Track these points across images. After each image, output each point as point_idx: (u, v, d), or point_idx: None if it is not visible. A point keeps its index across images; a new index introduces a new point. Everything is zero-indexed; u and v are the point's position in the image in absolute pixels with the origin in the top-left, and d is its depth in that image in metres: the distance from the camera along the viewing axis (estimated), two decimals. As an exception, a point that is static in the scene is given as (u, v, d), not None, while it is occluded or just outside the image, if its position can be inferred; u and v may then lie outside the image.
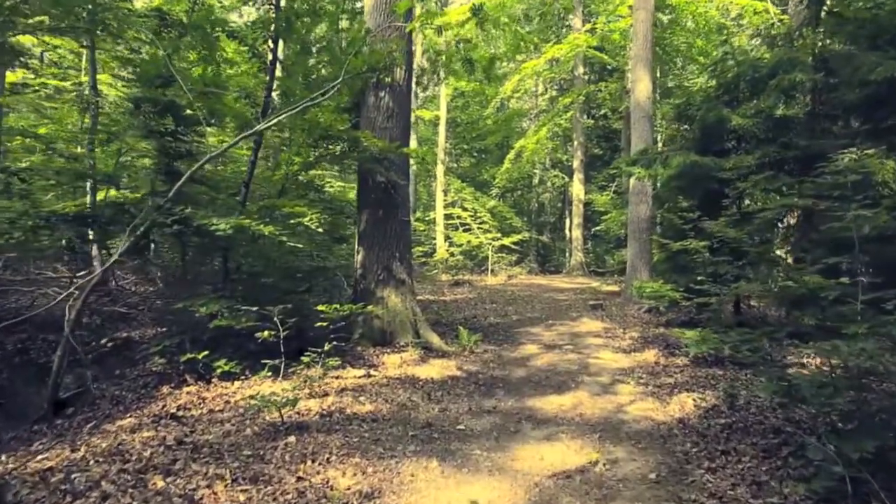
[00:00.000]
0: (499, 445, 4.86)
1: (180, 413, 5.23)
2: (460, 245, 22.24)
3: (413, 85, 9.53)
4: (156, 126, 6.67)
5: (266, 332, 5.53)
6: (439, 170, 25.30)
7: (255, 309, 5.77)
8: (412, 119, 25.26)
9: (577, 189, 25.49)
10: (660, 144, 19.48)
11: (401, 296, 8.50)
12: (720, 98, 11.01)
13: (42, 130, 11.05)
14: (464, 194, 25.02)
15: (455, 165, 33.34)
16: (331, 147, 7.99)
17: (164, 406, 5.44)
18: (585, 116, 26.24)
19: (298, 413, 5.25)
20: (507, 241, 21.89)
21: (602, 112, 25.74)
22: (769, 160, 9.59)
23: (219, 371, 6.05)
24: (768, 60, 10.54)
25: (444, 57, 8.98)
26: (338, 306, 6.24)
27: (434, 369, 7.27)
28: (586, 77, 25.71)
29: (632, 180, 15.30)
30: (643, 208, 14.95)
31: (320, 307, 6.21)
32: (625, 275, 16.73)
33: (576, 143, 26.01)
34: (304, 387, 5.88)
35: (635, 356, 8.48)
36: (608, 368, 7.70)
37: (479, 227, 22.65)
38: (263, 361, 5.85)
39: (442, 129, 25.63)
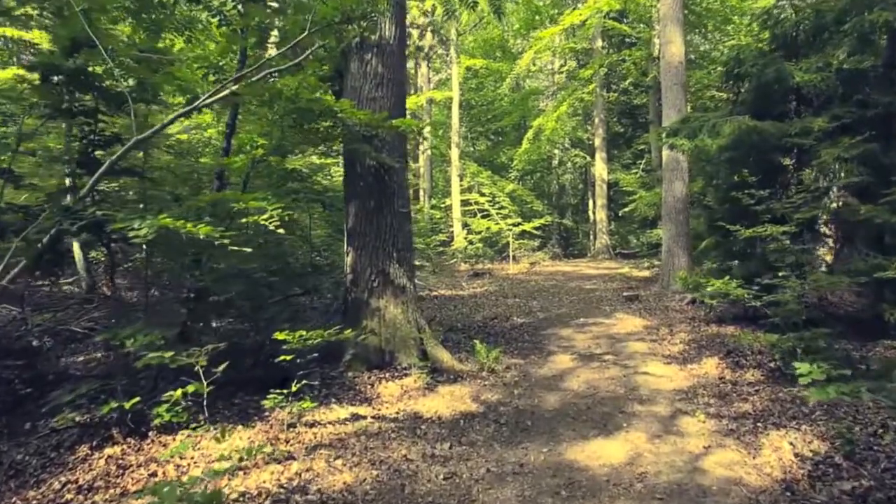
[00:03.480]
0: (530, 544, 3.30)
1: (79, 499, 3.73)
2: (479, 232, 20.99)
3: (406, 43, 7.86)
4: (65, 104, 5.13)
5: (178, 392, 3.97)
6: (454, 153, 24.08)
7: (168, 356, 4.17)
8: (424, 100, 23.90)
9: (600, 168, 23.99)
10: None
11: (401, 306, 6.86)
12: (775, 52, 9.36)
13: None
14: (481, 178, 23.68)
15: (471, 149, 31.85)
16: (307, 125, 6.39)
17: (66, 483, 3.94)
18: (606, 91, 24.52)
19: (243, 497, 3.72)
20: (528, 227, 20.43)
21: (623, 86, 24.01)
22: (842, 122, 7.99)
23: (157, 421, 4.59)
24: (834, 3, 8.84)
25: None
26: (303, 333, 4.65)
27: (443, 402, 5.71)
28: (605, 51, 24.07)
29: (665, 155, 13.63)
30: (679, 186, 13.29)
31: (280, 335, 4.62)
32: (657, 258, 15.23)
33: (597, 119, 24.50)
34: (266, 443, 4.36)
35: (692, 369, 6.89)
36: (663, 390, 6.11)
37: (497, 213, 21.31)
38: (196, 425, 4.36)
39: (455, 110, 24.17)
